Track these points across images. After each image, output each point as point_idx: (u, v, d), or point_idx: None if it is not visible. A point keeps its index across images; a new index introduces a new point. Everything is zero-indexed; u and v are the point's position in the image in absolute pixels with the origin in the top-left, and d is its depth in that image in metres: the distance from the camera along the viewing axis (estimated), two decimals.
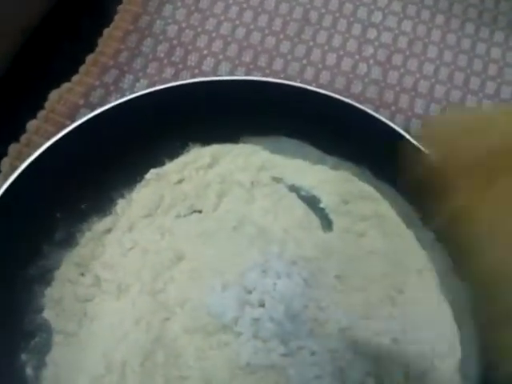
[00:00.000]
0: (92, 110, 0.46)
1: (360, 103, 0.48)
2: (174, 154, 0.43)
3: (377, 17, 0.53)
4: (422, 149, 0.38)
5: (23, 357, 0.37)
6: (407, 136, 0.40)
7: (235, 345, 0.36)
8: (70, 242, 0.40)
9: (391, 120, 0.47)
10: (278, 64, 0.51)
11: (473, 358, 0.36)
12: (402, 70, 0.51)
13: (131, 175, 0.42)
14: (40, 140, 0.46)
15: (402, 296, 0.38)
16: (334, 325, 0.36)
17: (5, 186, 0.37)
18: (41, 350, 0.37)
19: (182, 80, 0.48)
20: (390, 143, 0.39)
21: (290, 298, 0.36)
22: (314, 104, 0.42)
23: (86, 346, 0.37)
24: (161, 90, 0.42)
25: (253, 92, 0.42)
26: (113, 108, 0.40)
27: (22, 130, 0.46)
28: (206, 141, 0.44)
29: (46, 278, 0.39)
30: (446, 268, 0.38)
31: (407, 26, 0.53)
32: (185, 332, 0.37)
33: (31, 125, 0.46)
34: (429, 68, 0.51)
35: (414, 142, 0.39)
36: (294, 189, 0.43)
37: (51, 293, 0.39)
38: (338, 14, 0.54)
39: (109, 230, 0.41)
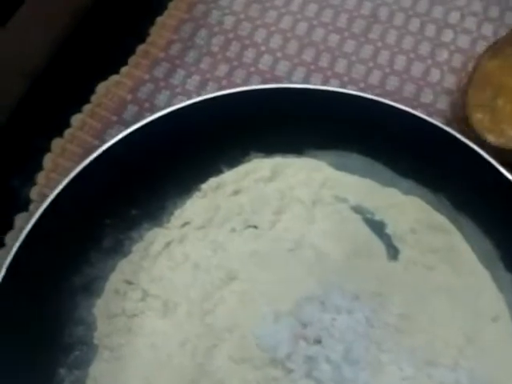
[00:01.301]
0: (140, 107, 0.44)
1: (429, 115, 0.44)
2: (233, 163, 0.40)
3: (454, 17, 0.48)
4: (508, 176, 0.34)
5: (61, 371, 0.35)
6: (497, 165, 0.35)
7: (284, 382, 0.33)
8: (118, 250, 0.38)
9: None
10: (341, 65, 0.47)
11: None
12: None
13: (186, 183, 0.40)
14: (85, 136, 0.43)
15: (472, 345, 0.34)
16: (396, 372, 0.33)
17: (56, 191, 0.35)
18: (80, 364, 0.35)
19: (236, 79, 0.45)
20: (475, 172, 0.35)
21: (351, 338, 0.33)
22: (393, 120, 0.38)
23: (128, 365, 0.35)
24: (224, 95, 0.38)
25: (324, 102, 0.38)
26: (171, 113, 0.37)
27: (66, 124, 0.43)
28: (269, 151, 0.41)
29: (90, 288, 0.37)
30: None
31: (488, 29, 0.48)
32: (231, 361, 0.35)
33: (76, 119, 0.43)
34: None
35: (503, 171, 0.35)
36: (358, 211, 0.39)
37: (97, 304, 0.37)
38: (410, 12, 0.49)
39: (159, 240, 0.39)
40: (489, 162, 0.37)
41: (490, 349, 0.34)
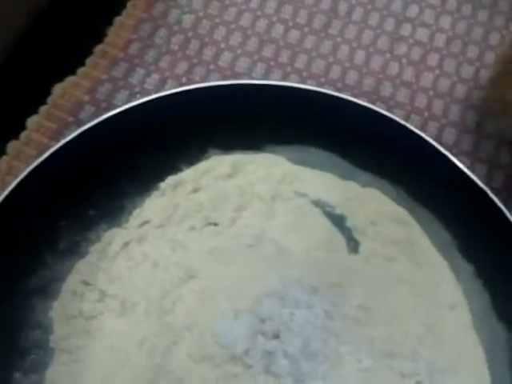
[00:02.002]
0: (97, 107, 0.44)
1: (390, 108, 0.44)
2: (192, 161, 0.40)
3: (413, 11, 0.49)
4: (468, 173, 0.34)
5: (17, 375, 0.34)
6: (451, 158, 0.36)
7: (244, 378, 0.33)
8: (74, 251, 0.37)
9: (423, 127, 0.44)
10: (301, 61, 0.47)
11: None
12: (437, 72, 0.47)
13: (144, 182, 0.39)
14: (41, 138, 0.42)
15: (431, 334, 0.34)
16: (354, 364, 0.32)
17: (7, 191, 0.35)
18: (37, 368, 0.35)
19: (195, 76, 0.45)
20: (432, 165, 0.35)
21: (309, 332, 0.33)
22: (349, 114, 0.38)
23: (86, 367, 0.35)
24: (181, 92, 0.38)
25: (282, 98, 0.38)
26: (127, 110, 0.37)
27: (22, 126, 0.42)
28: (227, 147, 0.40)
29: (46, 290, 0.36)
30: (484, 305, 0.34)
31: (446, 21, 0.48)
32: (190, 360, 0.34)
33: (32, 121, 0.43)
34: (468, 71, 0.46)
35: (458, 163, 0.35)
36: (319, 204, 0.39)
37: (54, 306, 0.36)
38: (369, 7, 0.49)
39: (117, 241, 0.38)
40: (445, 155, 0.37)
41: (449, 337, 0.34)
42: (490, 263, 0.35)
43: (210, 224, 0.39)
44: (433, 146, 0.37)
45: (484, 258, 0.35)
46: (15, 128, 0.42)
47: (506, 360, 0.33)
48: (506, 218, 0.34)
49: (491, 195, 0.36)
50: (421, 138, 0.37)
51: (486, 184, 0.37)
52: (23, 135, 0.42)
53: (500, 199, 0.36)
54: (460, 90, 0.46)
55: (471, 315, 0.35)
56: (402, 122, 0.38)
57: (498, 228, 0.35)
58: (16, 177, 0.40)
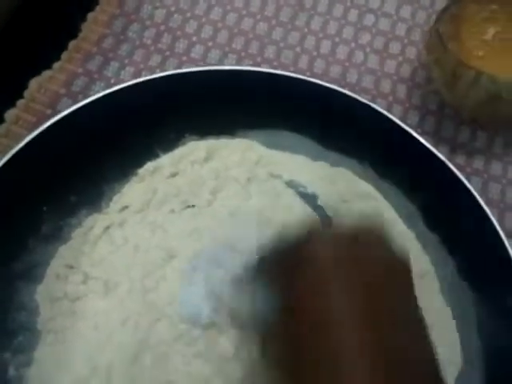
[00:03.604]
0: (74, 100, 0.45)
1: (356, 93, 0.46)
2: (168, 147, 0.41)
3: (375, 2, 0.51)
4: (430, 148, 0.37)
5: (6, 355, 0.35)
6: (415, 134, 0.38)
7: (223, 339, 0.35)
8: (57, 236, 0.38)
9: (388, 111, 0.46)
10: (271, 52, 0.49)
11: (475, 366, 0.35)
12: (400, 59, 0.49)
13: (123, 168, 0.40)
14: (19, 130, 0.43)
15: None
16: None
17: None
18: (25, 349, 0.36)
19: (169, 68, 0.47)
20: (395, 142, 0.38)
21: None
22: (316, 97, 0.40)
23: (72, 347, 0.36)
24: (155, 78, 0.40)
25: (252, 83, 0.40)
26: (104, 97, 0.38)
27: (0, 119, 0.43)
28: (203, 133, 0.42)
29: (31, 275, 0.37)
30: (450, 272, 0.37)
31: (406, 11, 0.51)
32: (172, 334, 0.36)
33: (10, 114, 0.44)
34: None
35: (422, 139, 0.38)
36: (292, 185, 0.41)
37: (39, 290, 0.37)
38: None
39: (99, 225, 0.39)
40: (408, 132, 0.39)
41: (420, 303, 0.36)
42: (452, 231, 0.38)
43: (189, 207, 0.40)
44: (396, 124, 0.39)
45: (447, 226, 0.38)
46: None
47: (472, 318, 0.36)
48: (466, 188, 0.37)
49: (454, 169, 0.38)
50: (385, 116, 0.39)
51: (449, 160, 0.39)
52: (2, 127, 0.43)
53: (464, 172, 0.38)
54: (421, 75, 0.48)
55: (439, 281, 0.38)
56: (368, 103, 0.40)
57: (458, 197, 0.37)
58: None
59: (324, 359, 0.26)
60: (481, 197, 0.37)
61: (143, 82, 0.40)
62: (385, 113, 0.40)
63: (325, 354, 0.26)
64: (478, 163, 0.45)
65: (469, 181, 0.38)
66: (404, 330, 0.27)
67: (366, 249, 0.29)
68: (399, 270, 0.29)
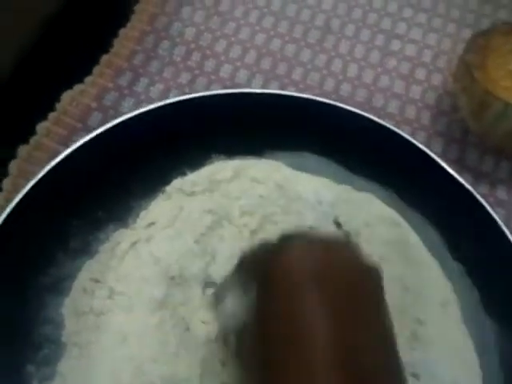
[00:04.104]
0: (104, 114, 0.45)
1: (381, 118, 0.47)
2: (196, 166, 0.42)
3: (401, 28, 0.52)
4: (457, 177, 0.37)
5: (30, 368, 0.35)
6: (441, 163, 0.38)
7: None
8: (85, 250, 0.39)
9: (412, 137, 0.46)
10: (298, 73, 0.50)
11: None
12: (425, 85, 0.50)
13: (151, 185, 0.41)
14: (50, 143, 0.44)
15: (424, 328, 0.36)
16: None
17: (21, 193, 0.36)
18: (49, 362, 0.36)
19: (198, 86, 0.47)
20: (421, 168, 0.38)
21: None
22: (344, 122, 0.41)
23: (96, 361, 0.36)
24: (185, 100, 0.40)
25: (280, 106, 0.41)
26: (135, 116, 0.39)
27: (32, 132, 0.44)
28: (229, 153, 0.42)
29: (58, 288, 0.38)
30: (473, 302, 0.37)
31: (432, 39, 0.52)
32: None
33: (42, 127, 0.44)
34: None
35: (447, 167, 0.38)
36: (315, 207, 0.41)
37: (65, 303, 0.37)
38: (360, 24, 0.52)
39: (126, 241, 0.40)
40: (434, 160, 0.40)
41: (441, 332, 0.36)
42: (478, 262, 0.38)
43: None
44: (423, 152, 0.39)
45: (473, 258, 0.38)
46: (25, 133, 0.44)
47: (495, 352, 0.36)
48: (494, 220, 0.37)
49: (479, 198, 0.38)
50: (411, 143, 0.40)
51: (474, 188, 0.39)
52: (33, 140, 0.44)
53: (487, 202, 0.38)
54: (446, 103, 0.49)
55: (461, 311, 0.38)
56: (395, 129, 0.40)
57: (485, 229, 0.37)
58: (27, 179, 0.41)
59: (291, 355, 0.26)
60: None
61: (174, 103, 0.40)
62: (412, 140, 0.41)
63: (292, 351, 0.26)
64: (501, 193, 0.45)
65: (495, 212, 0.39)
66: (367, 330, 0.27)
67: (339, 260, 0.29)
68: (370, 277, 0.30)
